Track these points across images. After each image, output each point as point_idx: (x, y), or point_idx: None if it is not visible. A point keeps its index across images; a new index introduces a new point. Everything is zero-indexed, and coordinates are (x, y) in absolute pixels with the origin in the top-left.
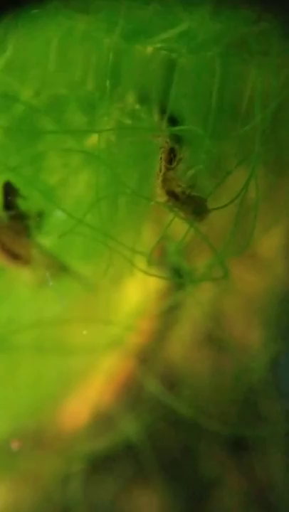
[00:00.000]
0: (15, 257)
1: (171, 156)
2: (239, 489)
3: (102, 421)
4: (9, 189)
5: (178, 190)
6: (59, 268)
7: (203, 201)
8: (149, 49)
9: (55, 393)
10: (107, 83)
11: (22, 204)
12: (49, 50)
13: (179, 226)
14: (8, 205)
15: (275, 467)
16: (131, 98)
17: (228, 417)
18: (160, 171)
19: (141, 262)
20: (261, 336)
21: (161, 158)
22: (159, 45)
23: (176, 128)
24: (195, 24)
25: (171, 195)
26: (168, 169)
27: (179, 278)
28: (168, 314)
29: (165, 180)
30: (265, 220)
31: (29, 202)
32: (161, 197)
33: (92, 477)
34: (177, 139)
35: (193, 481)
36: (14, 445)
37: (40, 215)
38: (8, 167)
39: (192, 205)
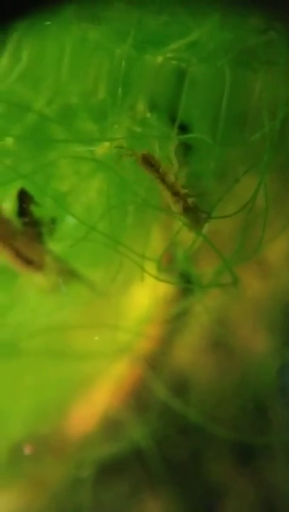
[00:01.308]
0: (28, 263)
1: (152, 163)
2: (246, 496)
3: (110, 426)
4: (24, 196)
5: (183, 192)
6: (70, 274)
7: (204, 214)
8: (160, 59)
9: (64, 399)
10: (119, 91)
11: (36, 211)
12: (62, 60)
13: (188, 233)
14: (23, 212)
15: (283, 474)
16: (141, 106)
17: (236, 423)
18: (158, 180)
19: (150, 269)
20: (269, 342)
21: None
22: (169, 55)
23: (185, 136)
24: (204, 34)
25: (176, 196)
26: (160, 174)
27: (187, 284)
28: (176, 320)
29: (169, 186)
30: (272, 227)
31: (41, 209)
32: (170, 202)
33: (101, 483)
34: (187, 147)
35: (200, 487)
36: (27, 450)
37: (54, 221)
38: (20, 175)
39: (194, 214)
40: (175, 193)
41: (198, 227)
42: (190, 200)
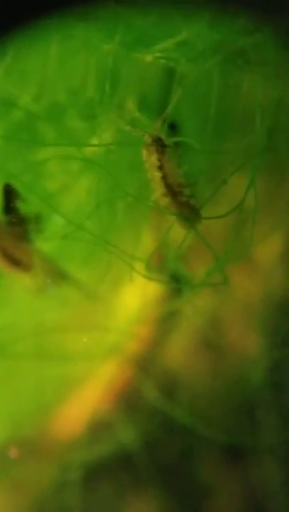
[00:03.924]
0: (16, 263)
1: (161, 146)
2: (236, 497)
3: (98, 428)
4: (9, 192)
5: (178, 189)
6: (58, 274)
7: (197, 211)
8: (149, 57)
9: (52, 400)
10: (107, 87)
11: (22, 208)
12: (48, 57)
13: (179, 232)
14: (9, 209)
15: (273, 476)
16: (130, 105)
17: (226, 425)
18: (158, 165)
19: (140, 269)
20: (260, 343)
21: (149, 150)
22: (158, 54)
23: (174, 139)
24: (193, 34)
25: (170, 190)
26: (162, 160)
27: (177, 284)
28: (166, 321)
29: (165, 176)
30: (263, 227)
31: (29, 207)
32: (160, 196)
33: (89, 485)
34: (176, 145)
35: (190, 488)
36: (12, 452)
37: (39, 217)
38: (7, 173)
39: (186, 209)
40: (170, 187)
41: (191, 221)
42: (183, 195)
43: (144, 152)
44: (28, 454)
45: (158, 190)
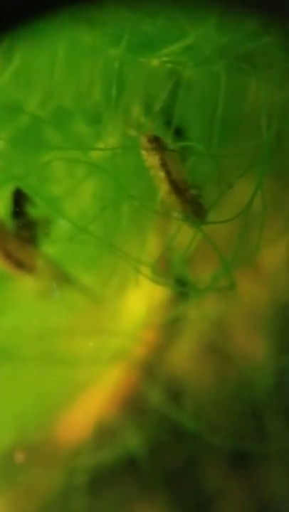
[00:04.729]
0: (19, 265)
1: (159, 144)
2: (241, 503)
3: (104, 433)
4: (19, 196)
5: (182, 186)
6: (63, 278)
7: (204, 207)
8: (155, 62)
9: (58, 404)
10: (113, 92)
11: (31, 211)
12: (55, 62)
13: (184, 236)
14: (18, 213)
15: (278, 481)
16: (136, 110)
17: (232, 430)
18: (160, 163)
19: (146, 273)
20: (266, 348)
21: (148, 151)
22: (164, 59)
23: (180, 144)
24: (200, 38)
25: (175, 186)
26: (164, 158)
27: (183, 288)
28: (172, 326)
29: (169, 172)
30: (270, 232)
31: (37, 209)
32: (166, 194)
33: (94, 490)
34: (182, 149)
35: (195, 494)
36: (18, 457)
37: (47, 221)
38: (13, 177)
39: (193, 206)
40: (175, 184)
41: (198, 221)
42: (190, 192)
43: (144, 153)
44: (34, 458)
45: (163, 189)
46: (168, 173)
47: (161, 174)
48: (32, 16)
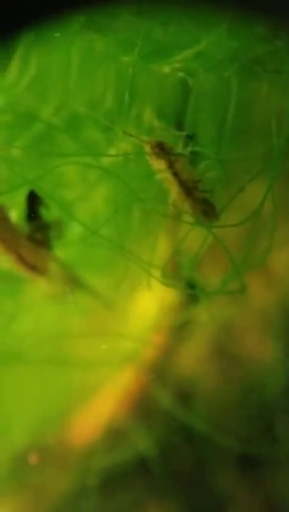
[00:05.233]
0: (32, 268)
1: (163, 149)
2: (252, 507)
3: (115, 436)
4: (33, 199)
5: (191, 185)
6: (75, 281)
7: (215, 207)
8: (167, 68)
9: (68, 408)
10: (126, 98)
11: (45, 214)
12: (69, 70)
13: (194, 239)
14: (32, 216)
15: (288, 485)
16: (148, 116)
17: (242, 433)
18: (167, 166)
19: (156, 276)
20: (276, 351)
21: (153, 158)
22: (176, 65)
23: (190, 149)
24: (211, 44)
25: (184, 187)
26: (171, 161)
27: (194, 291)
28: (182, 329)
29: (177, 173)
30: (280, 235)
31: (50, 212)
32: (177, 195)
33: (105, 492)
34: (193, 154)
35: (205, 497)
36: (32, 459)
37: (60, 224)
38: (26, 180)
39: (204, 206)
40: (185, 185)
41: (209, 222)
42: (200, 193)
43: (149, 158)
44: (47, 460)
45: (173, 190)
46: (176, 174)
47: (170, 176)
48: (45, 24)
